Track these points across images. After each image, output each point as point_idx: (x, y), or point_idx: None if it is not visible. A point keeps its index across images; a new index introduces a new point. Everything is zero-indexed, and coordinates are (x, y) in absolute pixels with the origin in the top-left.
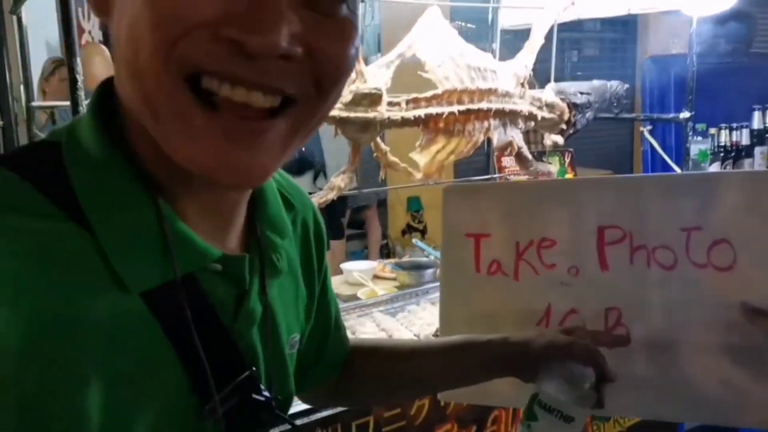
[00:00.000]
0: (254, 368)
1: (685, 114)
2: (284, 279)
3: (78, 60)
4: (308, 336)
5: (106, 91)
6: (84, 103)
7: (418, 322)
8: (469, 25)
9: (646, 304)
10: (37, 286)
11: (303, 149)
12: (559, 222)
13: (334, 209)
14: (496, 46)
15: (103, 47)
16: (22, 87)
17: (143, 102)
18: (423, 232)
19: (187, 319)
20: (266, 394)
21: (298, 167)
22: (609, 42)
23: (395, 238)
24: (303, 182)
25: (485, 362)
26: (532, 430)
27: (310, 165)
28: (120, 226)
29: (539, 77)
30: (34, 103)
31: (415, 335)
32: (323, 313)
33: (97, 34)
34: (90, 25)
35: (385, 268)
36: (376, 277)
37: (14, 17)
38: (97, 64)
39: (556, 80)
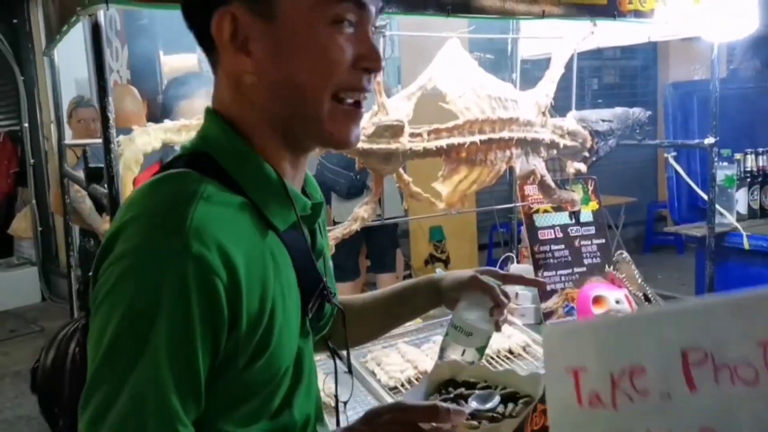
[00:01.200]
0: (326, 280)
1: (709, 140)
2: (322, 222)
3: (110, 100)
4: None
5: (215, 116)
6: (116, 141)
7: None
8: (488, 55)
9: (736, 420)
10: (245, 232)
11: (358, 176)
12: (647, 350)
13: (350, 246)
14: (516, 76)
15: (132, 87)
16: (53, 126)
17: (310, 113)
18: (446, 262)
19: (304, 248)
20: (332, 295)
21: (356, 190)
22: (629, 69)
23: (418, 269)
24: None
25: (424, 304)
26: (445, 342)
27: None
28: (266, 193)
29: (558, 105)
30: (66, 141)
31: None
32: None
33: (125, 74)
34: (118, 65)
35: None
36: None
37: (46, 59)
38: (128, 104)
39: (577, 108)
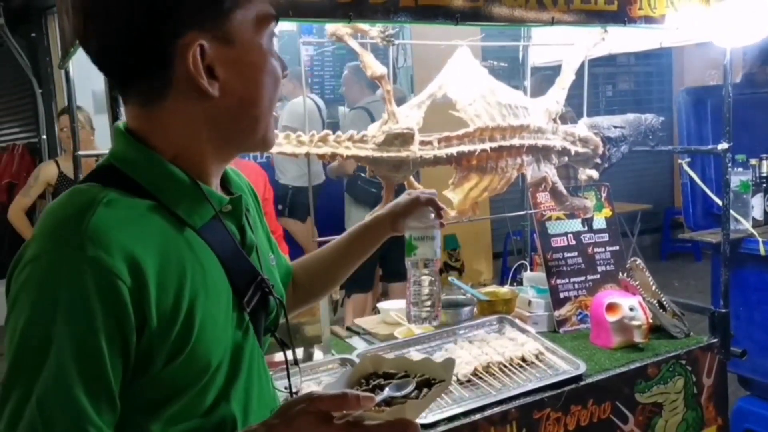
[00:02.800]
0: (262, 274)
1: (723, 145)
2: (253, 218)
3: (122, 110)
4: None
5: (124, 132)
6: None
7: (456, 361)
8: (501, 63)
9: None
10: (154, 232)
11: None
12: None
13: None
14: (528, 83)
15: None
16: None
17: (256, 122)
18: (460, 271)
19: (230, 244)
20: (271, 287)
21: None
22: (644, 75)
23: None
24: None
25: (380, 234)
26: (414, 252)
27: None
28: (175, 193)
29: (577, 111)
30: (81, 153)
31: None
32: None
33: None
34: None
35: None
36: None
37: (62, 71)
38: None
39: (592, 115)
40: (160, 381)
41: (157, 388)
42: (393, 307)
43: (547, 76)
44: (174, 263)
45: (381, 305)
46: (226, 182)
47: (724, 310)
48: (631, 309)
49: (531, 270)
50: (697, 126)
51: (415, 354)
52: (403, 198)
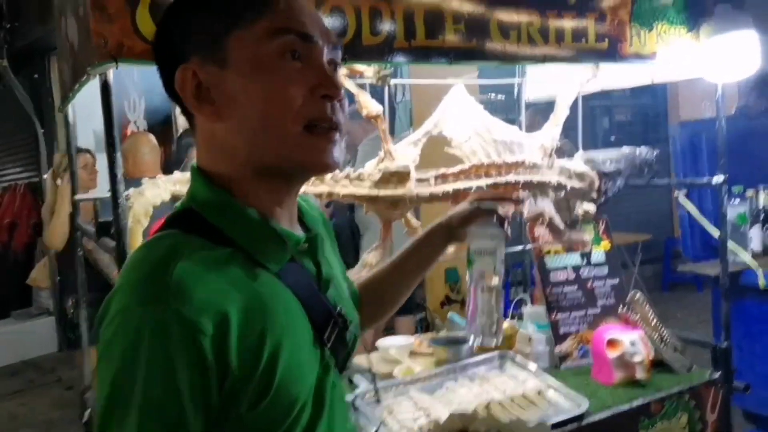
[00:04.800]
0: (340, 308)
1: (718, 178)
2: (328, 250)
3: (119, 155)
4: None
5: (198, 174)
6: (124, 195)
7: (457, 399)
8: (499, 96)
9: None
10: (235, 282)
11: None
12: None
13: None
14: (522, 119)
15: (150, 136)
16: (67, 179)
17: (275, 142)
18: (462, 303)
19: (307, 283)
20: (349, 322)
21: None
22: (639, 107)
23: (434, 311)
24: None
25: (438, 246)
26: (474, 266)
27: None
28: (253, 238)
29: (575, 143)
30: (78, 196)
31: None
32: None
33: (142, 124)
34: (135, 116)
35: (422, 343)
36: (413, 353)
37: (62, 114)
38: (146, 154)
39: (589, 148)
40: (246, 423)
41: (243, 430)
42: (392, 344)
43: (541, 110)
44: (256, 310)
45: (380, 342)
46: (301, 215)
47: (725, 344)
48: (632, 344)
49: (531, 304)
50: (692, 159)
51: (416, 394)
52: (462, 205)
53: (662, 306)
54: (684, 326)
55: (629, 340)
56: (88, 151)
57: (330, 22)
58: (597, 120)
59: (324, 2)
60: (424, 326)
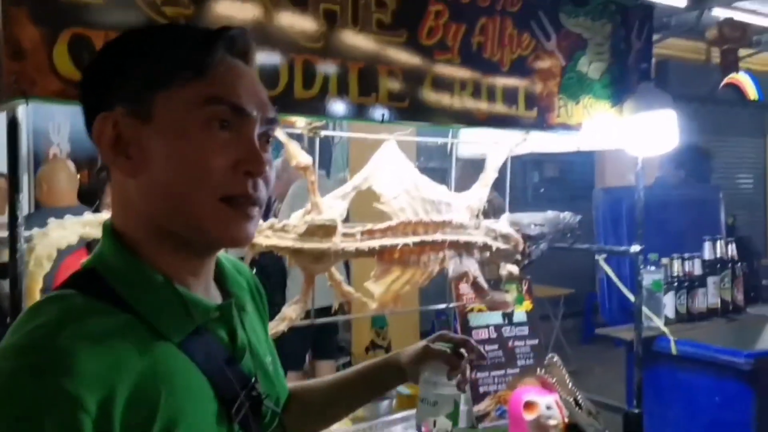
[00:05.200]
0: (254, 379)
1: (635, 248)
2: (251, 318)
3: (21, 197)
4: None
5: (109, 232)
6: (26, 235)
7: None
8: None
9: None
10: (128, 355)
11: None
12: None
13: (297, 335)
14: (452, 179)
15: (69, 162)
16: None
17: (192, 217)
18: (387, 349)
19: (215, 353)
20: (264, 396)
21: None
22: (569, 165)
23: (358, 355)
24: None
25: (389, 383)
26: (417, 417)
27: None
28: (156, 306)
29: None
30: None
31: None
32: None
33: (66, 147)
34: (59, 138)
35: None
36: None
37: None
38: (62, 181)
39: (518, 202)
40: None
41: None
42: None
43: (473, 163)
44: (148, 388)
45: None
46: (221, 278)
47: (636, 411)
48: (548, 408)
49: None
50: (613, 224)
51: None
52: (417, 348)
53: (581, 359)
54: (601, 381)
55: (545, 404)
56: (2, 175)
57: (262, 73)
58: (527, 174)
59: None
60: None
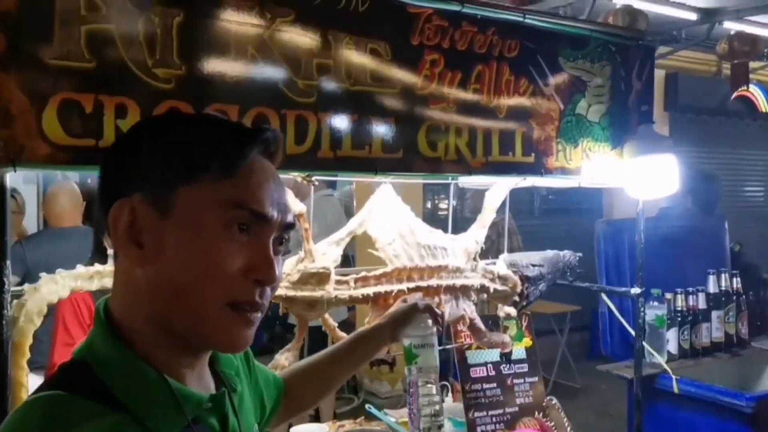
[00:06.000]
0: None
1: (635, 290)
2: (241, 395)
3: (8, 263)
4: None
5: (103, 318)
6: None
7: None
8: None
9: None
10: None
11: None
12: None
13: None
14: (449, 219)
15: (72, 185)
16: None
17: (194, 318)
18: (392, 365)
19: None
20: None
21: None
22: (575, 197)
23: (364, 370)
24: None
25: (382, 343)
26: (417, 360)
27: None
28: (148, 402)
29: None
30: None
31: None
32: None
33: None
34: None
35: (339, 430)
36: None
37: None
38: (66, 203)
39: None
40: None
41: None
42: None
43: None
44: None
45: (295, 430)
46: (213, 359)
47: None
48: None
49: (451, 394)
50: (614, 257)
51: None
52: (401, 306)
53: (587, 376)
54: (607, 399)
55: None
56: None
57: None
58: (534, 194)
59: (248, 109)
60: (352, 386)
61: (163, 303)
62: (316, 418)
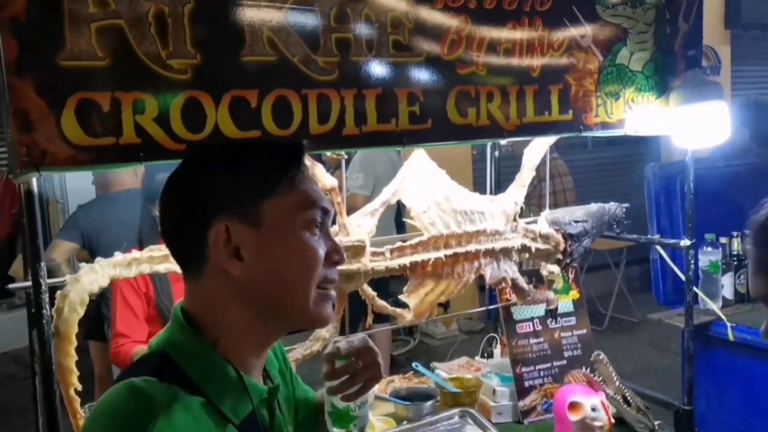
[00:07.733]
0: None
1: (685, 242)
2: (282, 393)
3: (43, 265)
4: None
5: (182, 319)
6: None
7: None
8: None
9: None
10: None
11: None
12: None
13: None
14: (491, 176)
15: None
16: None
17: (287, 304)
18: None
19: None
20: None
21: None
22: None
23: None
24: None
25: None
26: (357, 424)
27: None
28: (222, 390)
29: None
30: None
31: None
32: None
33: None
34: None
35: (389, 385)
36: (377, 398)
37: None
38: (124, 172)
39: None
40: None
41: None
42: None
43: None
44: None
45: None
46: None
47: (688, 408)
48: (594, 409)
49: (499, 348)
50: (666, 203)
51: None
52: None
53: (645, 309)
54: (668, 334)
55: (590, 405)
56: None
57: (275, 112)
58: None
59: (267, 93)
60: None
61: (269, 300)
62: None
